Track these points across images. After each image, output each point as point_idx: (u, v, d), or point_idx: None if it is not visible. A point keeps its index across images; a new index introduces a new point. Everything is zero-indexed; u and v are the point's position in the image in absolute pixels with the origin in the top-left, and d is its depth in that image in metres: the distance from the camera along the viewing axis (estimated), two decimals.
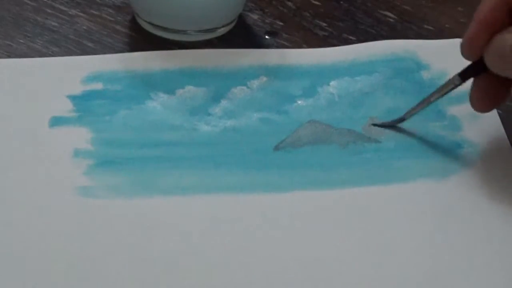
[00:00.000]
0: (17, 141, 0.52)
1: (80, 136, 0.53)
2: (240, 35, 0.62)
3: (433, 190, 0.51)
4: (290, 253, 0.48)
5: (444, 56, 0.59)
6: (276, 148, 0.53)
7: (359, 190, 0.51)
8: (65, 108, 0.55)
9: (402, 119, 0.54)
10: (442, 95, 0.53)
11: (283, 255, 0.48)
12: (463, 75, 0.52)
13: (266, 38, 0.61)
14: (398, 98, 0.57)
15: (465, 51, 0.51)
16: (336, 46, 0.61)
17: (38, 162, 0.51)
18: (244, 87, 0.57)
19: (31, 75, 0.57)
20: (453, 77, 0.52)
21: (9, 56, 0.58)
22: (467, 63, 0.51)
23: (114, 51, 0.59)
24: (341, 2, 0.65)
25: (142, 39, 0.60)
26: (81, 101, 0.55)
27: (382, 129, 0.55)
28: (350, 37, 0.62)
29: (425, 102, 0.54)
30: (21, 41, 0.59)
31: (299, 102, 0.56)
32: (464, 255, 0.48)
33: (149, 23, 0.60)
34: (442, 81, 0.57)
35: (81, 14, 0.62)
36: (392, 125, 0.55)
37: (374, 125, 0.55)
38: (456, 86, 0.52)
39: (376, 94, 0.57)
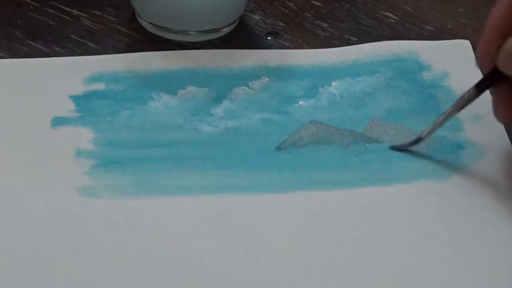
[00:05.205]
0: (19, 141, 0.52)
1: (82, 136, 0.53)
2: (242, 36, 0.62)
3: (435, 191, 0.51)
4: (292, 253, 0.48)
5: (446, 56, 0.60)
6: (278, 148, 0.53)
7: (361, 190, 0.51)
8: (67, 108, 0.55)
9: (419, 139, 0.53)
10: (459, 110, 0.52)
11: (285, 255, 0.48)
12: (479, 86, 0.51)
13: (268, 39, 0.61)
14: (399, 99, 0.57)
15: (480, 61, 0.50)
16: (338, 47, 0.61)
17: (40, 163, 0.51)
18: (246, 88, 0.57)
19: (33, 75, 0.57)
20: (469, 90, 0.51)
21: (11, 56, 0.58)
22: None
23: (116, 52, 0.59)
24: (343, 3, 0.65)
25: (143, 39, 0.60)
26: (83, 101, 0.55)
27: (384, 129, 0.55)
28: (352, 38, 0.62)
29: (442, 119, 0.52)
30: (23, 41, 0.59)
31: (301, 102, 0.56)
32: (465, 255, 0.48)
33: (151, 23, 0.61)
34: (443, 82, 0.57)
35: (83, 14, 0.62)
36: (411, 145, 0.53)
37: (393, 148, 0.53)
38: (473, 98, 0.51)
39: (377, 95, 0.57)
